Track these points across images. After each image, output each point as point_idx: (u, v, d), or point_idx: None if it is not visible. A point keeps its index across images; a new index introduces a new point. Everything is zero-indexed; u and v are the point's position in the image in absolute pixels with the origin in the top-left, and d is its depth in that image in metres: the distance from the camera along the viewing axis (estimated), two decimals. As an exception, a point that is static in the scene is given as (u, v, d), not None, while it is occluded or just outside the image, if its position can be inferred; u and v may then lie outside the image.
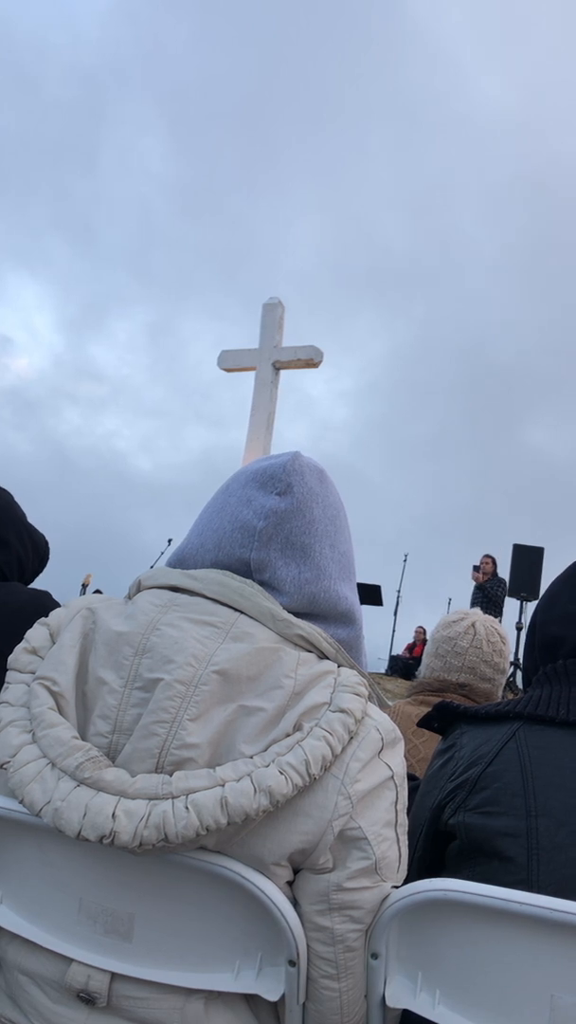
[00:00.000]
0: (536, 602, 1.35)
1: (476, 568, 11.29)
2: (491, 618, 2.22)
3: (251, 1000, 0.90)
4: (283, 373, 8.14)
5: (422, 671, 2.24)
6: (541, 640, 1.20)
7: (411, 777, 1.21)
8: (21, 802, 0.85)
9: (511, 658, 2.19)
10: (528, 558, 10.75)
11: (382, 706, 1.03)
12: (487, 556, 11.28)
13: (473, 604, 10.46)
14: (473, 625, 2.13)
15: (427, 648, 2.24)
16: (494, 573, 10.99)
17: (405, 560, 16.27)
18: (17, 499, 1.92)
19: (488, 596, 10.67)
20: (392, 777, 0.91)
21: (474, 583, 11.20)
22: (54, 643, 0.97)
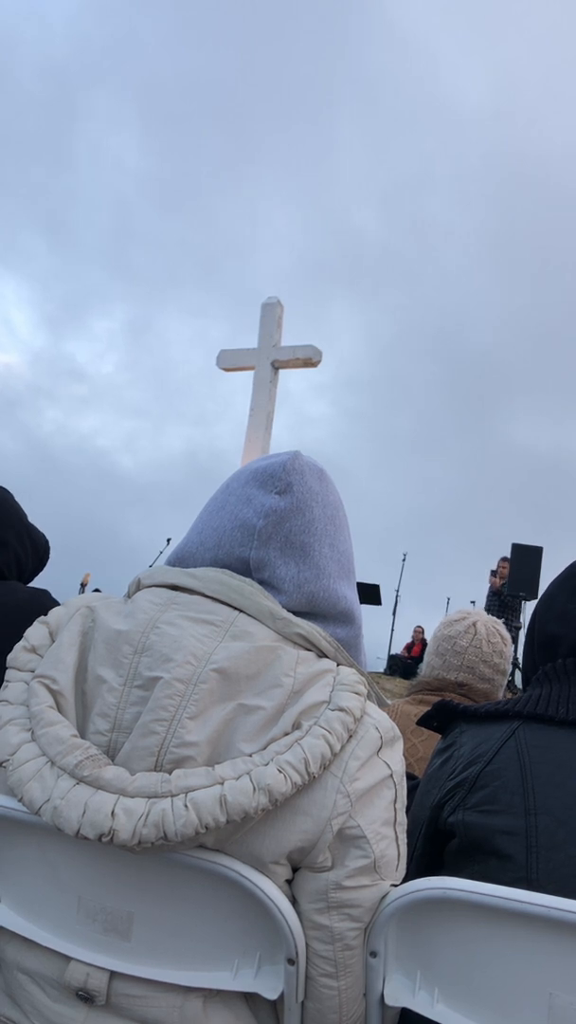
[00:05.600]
0: (535, 601, 1.35)
1: (494, 573, 11.25)
2: (493, 618, 2.21)
3: (250, 998, 0.90)
4: (277, 372, 8.14)
5: (423, 670, 2.24)
6: (540, 639, 1.20)
7: (410, 776, 1.21)
8: (20, 800, 0.85)
9: (511, 659, 2.18)
10: (527, 557, 10.73)
11: (381, 705, 1.03)
12: (504, 560, 11.24)
13: (488, 610, 10.41)
14: (474, 625, 2.13)
15: (428, 647, 2.25)
16: (508, 575, 10.95)
17: (404, 559, 16.28)
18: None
19: (504, 602, 10.63)
20: (391, 776, 0.91)
21: (490, 588, 11.17)
22: (53, 641, 0.97)
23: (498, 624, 2.19)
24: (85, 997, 0.89)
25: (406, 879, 0.90)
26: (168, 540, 13.17)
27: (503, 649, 2.12)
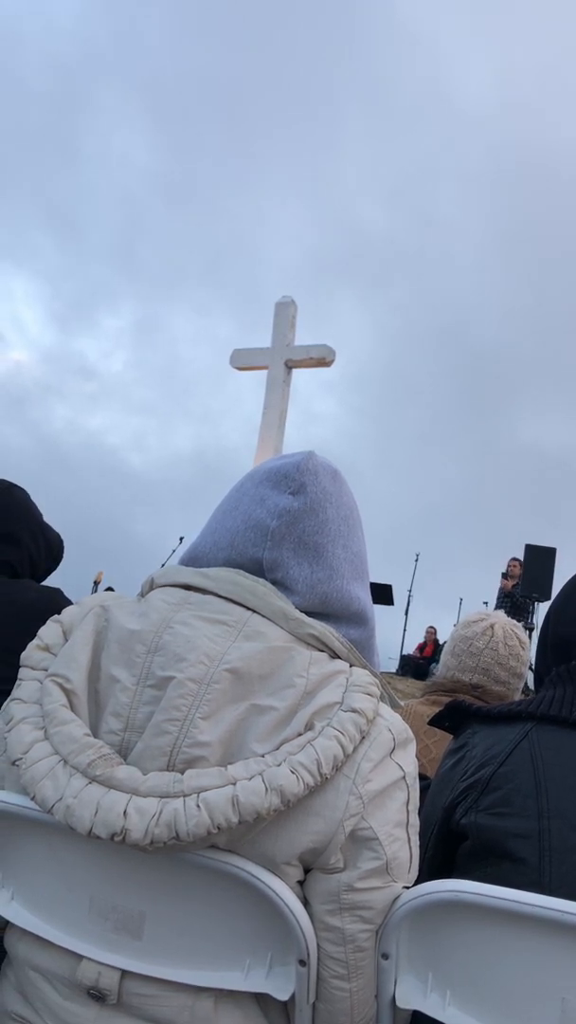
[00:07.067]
0: (548, 603, 1.35)
1: (504, 575, 11.20)
2: (512, 621, 2.18)
3: (261, 999, 0.90)
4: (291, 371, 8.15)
5: (438, 670, 2.22)
6: (553, 641, 1.20)
7: (422, 777, 1.21)
8: (33, 799, 0.85)
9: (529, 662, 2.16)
10: (540, 558, 10.69)
11: (393, 706, 1.03)
12: (513, 560, 11.20)
13: (499, 609, 10.38)
14: (492, 627, 2.11)
15: (445, 647, 2.23)
16: (520, 576, 10.91)
17: (416, 560, 16.24)
18: None
19: (516, 604, 10.58)
20: (404, 777, 0.91)
21: (501, 589, 11.13)
22: (67, 640, 0.97)
23: (516, 627, 2.17)
24: (96, 996, 0.89)
25: (418, 881, 0.90)
26: (181, 539, 13.19)
27: (520, 652, 2.10)
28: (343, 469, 1.14)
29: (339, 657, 0.98)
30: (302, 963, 0.85)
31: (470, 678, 2.07)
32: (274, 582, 1.01)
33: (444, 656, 2.20)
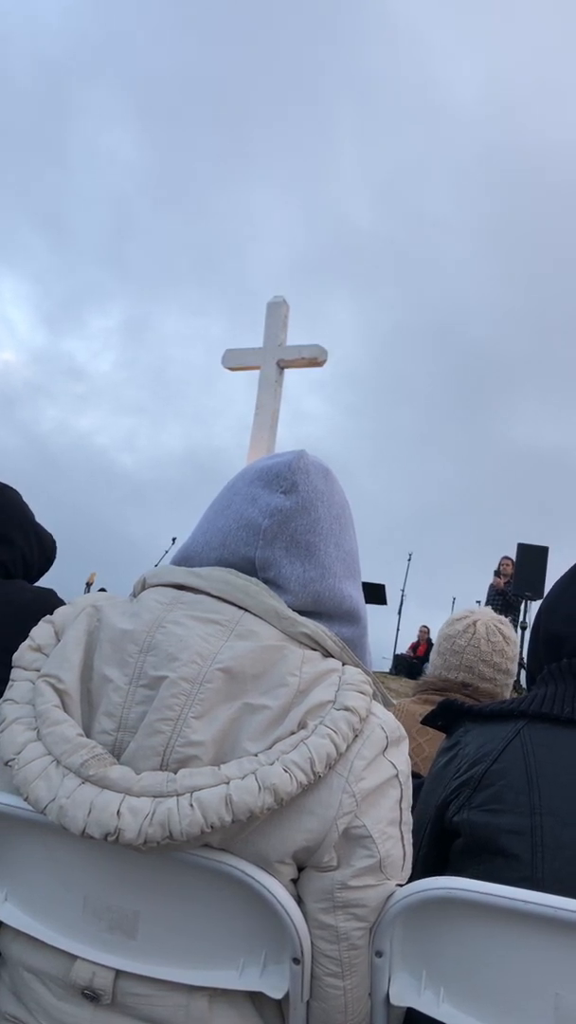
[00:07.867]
0: (540, 601, 1.35)
1: (497, 573, 11.23)
2: (497, 618, 2.18)
3: (255, 997, 0.90)
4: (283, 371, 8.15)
5: (428, 669, 2.23)
6: (545, 638, 1.20)
7: (415, 775, 1.21)
8: (26, 799, 0.85)
9: (516, 658, 2.17)
10: (533, 557, 10.73)
11: (386, 704, 1.03)
12: (505, 558, 11.23)
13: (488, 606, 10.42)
14: (474, 624, 2.12)
15: (434, 646, 2.24)
16: (513, 575, 10.96)
17: (409, 559, 16.28)
18: None
19: (508, 602, 10.62)
20: (397, 775, 0.91)
21: (493, 587, 11.16)
22: (59, 640, 0.97)
23: (501, 623, 2.17)
24: (91, 996, 0.89)
25: (411, 879, 0.90)
26: (174, 539, 13.19)
27: (505, 648, 2.10)
28: (335, 468, 1.15)
29: (332, 656, 0.98)
30: (296, 961, 0.85)
31: (456, 676, 2.07)
32: (266, 581, 1.01)
33: (432, 655, 2.21)
